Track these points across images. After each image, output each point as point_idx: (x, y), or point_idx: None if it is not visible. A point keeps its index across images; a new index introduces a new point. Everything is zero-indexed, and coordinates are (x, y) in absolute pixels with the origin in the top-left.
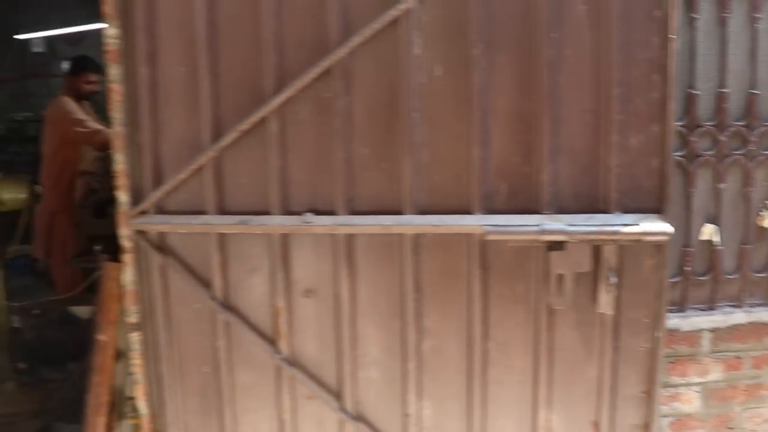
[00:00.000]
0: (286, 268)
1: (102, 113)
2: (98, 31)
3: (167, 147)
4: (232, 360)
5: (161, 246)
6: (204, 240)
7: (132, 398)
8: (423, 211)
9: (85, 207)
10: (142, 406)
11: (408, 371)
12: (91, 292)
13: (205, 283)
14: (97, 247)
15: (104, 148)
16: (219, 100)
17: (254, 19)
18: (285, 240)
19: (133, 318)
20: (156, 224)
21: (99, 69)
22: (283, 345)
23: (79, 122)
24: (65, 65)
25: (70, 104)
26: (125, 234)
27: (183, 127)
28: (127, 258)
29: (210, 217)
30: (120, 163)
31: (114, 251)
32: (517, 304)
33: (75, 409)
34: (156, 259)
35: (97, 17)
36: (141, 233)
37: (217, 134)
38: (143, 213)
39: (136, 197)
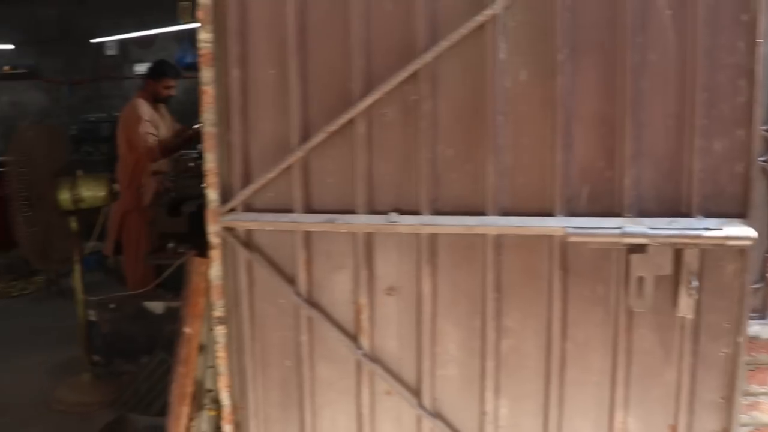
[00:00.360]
0: (370, 266)
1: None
2: (168, 34)
3: (256, 147)
4: (314, 355)
5: (248, 242)
6: (290, 237)
7: (211, 390)
8: (505, 213)
9: (159, 206)
10: (225, 397)
11: (486, 369)
12: (163, 288)
13: (290, 280)
14: (170, 245)
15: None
16: (307, 102)
17: (343, 24)
18: (369, 239)
19: (218, 312)
20: (244, 221)
21: (178, 74)
22: (364, 341)
23: (145, 127)
24: (137, 67)
25: (142, 107)
26: (214, 230)
27: (272, 128)
28: (215, 254)
29: (297, 216)
30: (210, 161)
31: (187, 248)
32: (597, 305)
33: (148, 401)
34: (243, 255)
35: (168, 21)
36: (229, 230)
37: (306, 135)
38: (232, 210)
39: (225, 195)
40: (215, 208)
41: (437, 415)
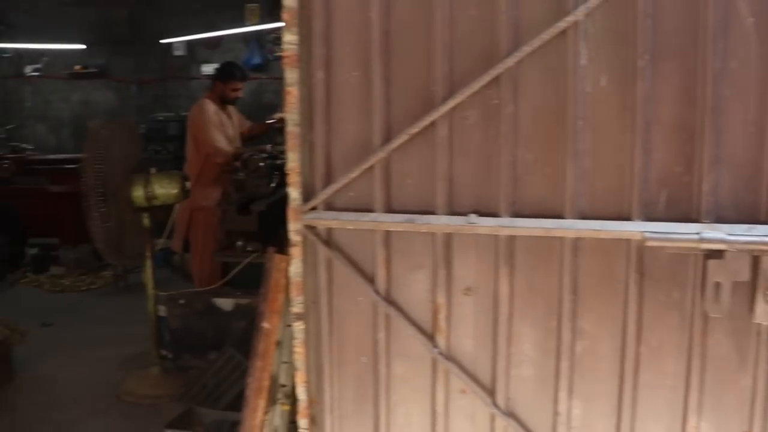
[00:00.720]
0: (448, 266)
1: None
2: (235, 36)
3: (338, 147)
4: (390, 352)
5: (328, 241)
6: (370, 236)
7: (284, 385)
8: (583, 216)
9: (229, 204)
10: (301, 392)
11: (560, 370)
12: (231, 285)
13: (369, 278)
14: (239, 243)
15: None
16: (390, 104)
17: (427, 28)
18: (448, 239)
19: (297, 308)
20: (325, 220)
21: (245, 77)
22: (441, 340)
23: (210, 130)
24: (204, 68)
25: (210, 108)
26: (295, 228)
27: (354, 129)
28: (295, 251)
29: (377, 215)
30: (293, 161)
31: (256, 247)
32: (672, 309)
33: (216, 396)
34: (323, 253)
35: (235, 23)
36: (310, 228)
37: (388, 136)
38: (313, 209)
39: (307, 194)
40: (297, 207)
41: (511, 414)
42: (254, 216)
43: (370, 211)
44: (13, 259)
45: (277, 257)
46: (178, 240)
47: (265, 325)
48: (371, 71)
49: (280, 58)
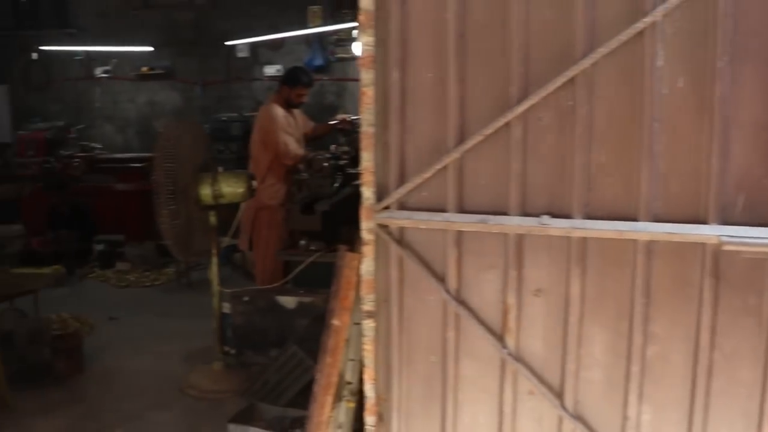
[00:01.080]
0: (519, 267)
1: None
2: (297, 37)
3: (412, 147)
4: (459, 351)
5: (400, 240)
6: (442, 236)
7: (350, 383)
8: (658, 219)
9: (293, 204)
10: (369, 389)
11: (631, 374)
12: (294, 284)
13: (440, 277)
14: (302, 242)
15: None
16: (464, 105)
17: (502, 30)
18: (520, 240)
19: (367, 306)
20: (398, 219)
21: (311, 82)
22: (510, 340)
23: (279, 133)
24: (267, 69)
25: (277, 111)
26: (367, 227)
27: (428, 130)
28: (367, 249)
29: (450, 215)
30: (367, 161)
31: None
32: (748, 316)
33: (278, 393)
34: (395, 251)
35: (297, 24)
36: (383, 227)
37: (461, 137)
38: (386, 208)
39: (380, 193)
40: (370, 206)
41: (579, 417)
42: (318, 215)
43: (443, 211)
44: (81, 255)
45: (349, 255)
46: (243, 238)
47: (336, 322)
48: (446, 72)
49: (341, 59)
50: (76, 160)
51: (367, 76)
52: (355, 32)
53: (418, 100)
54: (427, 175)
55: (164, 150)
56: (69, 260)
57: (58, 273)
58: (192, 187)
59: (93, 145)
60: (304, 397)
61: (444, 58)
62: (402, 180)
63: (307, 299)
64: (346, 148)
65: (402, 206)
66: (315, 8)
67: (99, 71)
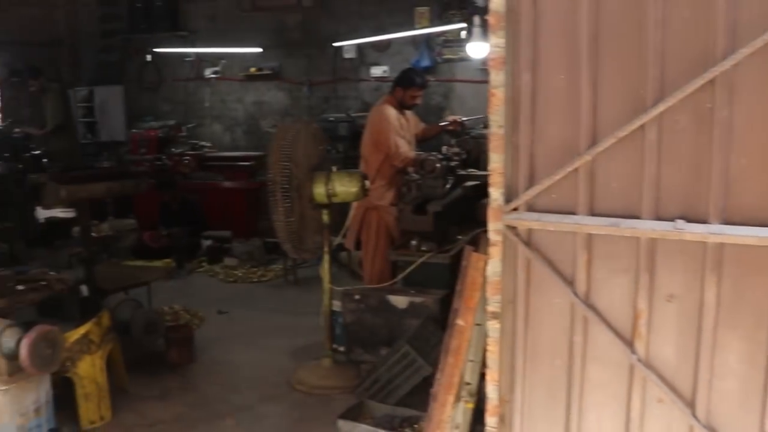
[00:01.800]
0: (651, 272)
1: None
2: (404, 39)
3: (542, 149)
4: (586, 356)
5: (528, 241)
6: (571, 238)
7: (469, 383)
8: None
9: (405, 204)
10: (491, 391)
11: None
12: (405, 284)
13: (568, 280)
14: (413, 242)
15: (405, 164)
16: (596, 107)
17: (638, 31)
18: (652, 244)
19: (492, 307)
20: (527, 221)
21: (425, 84)
22: (640, 346)
23: (392, 134)
24: (373, 70)
25: (390, 113)
26: (495, 228)
27: (559, 131)
28: (494, 251)
29: (580, 218)
30: (496, 162)
31: (430, 247)
32: None
33: (388, 391)
34: (523, 253)
35: (404, 26)
36: (511, 228)
37: (593, 139)
38: (514, 210)
39: (509, 195)
40: (498, 207)
41: (711, 428)
42: (429, 216)
43: (572, 213)
44: (190, 250)
45: (475, 256)
46: (351, 238)
47: (460, 322)
48: (578, 74)
49: (448, 60)
50: (187, 158)
51: (496, 77)
52: (463, 33)
53: (549, 102)
54: (558, 177)
55: (280, 148)
56: (179, 255)
57: (168, 266)
58: (306, 185)
59: (202, 143)
60: (414, 396)
61: (576, 59)
62: (531, 182)
63: (418, 299)
64: (456, 150)
65: (530, 208)
66: (422, 9)
67: (208, 72)
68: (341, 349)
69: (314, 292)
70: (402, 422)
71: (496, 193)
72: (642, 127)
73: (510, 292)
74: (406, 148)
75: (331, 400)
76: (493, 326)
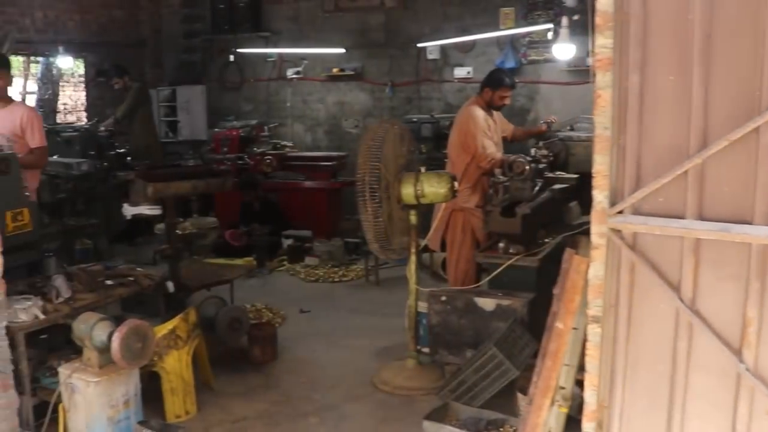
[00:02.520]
0: (763, 279)
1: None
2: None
3: (649, 151)
4: (690, 362)
5: (633, 245)
6: (677, 243)
7: (563, 387)
8: None
9: (494, 206)
10: (590, 395)
11: None
12: (492, 286)
13: (673, 285)
14: (501, 245)
15: (491, 166)
16: (707, 109)
17: (754, 30)
18: (765, 251)
19: (593, 311)
20: (632, 224)
21: (514, 85)
22: (748, 355)
23: (479, 135)
24: (457, 71)
25: (478, 114)
26: (598, 231)
27: (667, 133)
28: (597, 254)
29: (688, 222)
30: (601, 164)
31: (518, 250)
32: None
33: (473, 394)
34: (627, 257)
35: (488, 27)
36: (615, 231)
37: (704, 142)
38: (619, 213)
39: (613, 197)
40: (603, 210)
41: None
42: (518, 219)
43: (680, 217)
44: (271, 248)
45: (577, 258)
46: (435, 239)
47: (559, 325)
48: (689, 74)
49: (533, 62)
50: (268, 157)
51: (603, 78)
52: (549, 34)
53: (658, 103)
54: (665, 180)
55: (369, 149)
56: (259, 253)
57: (250, 265)
58: (394, 186)
59: (283, 143)
60: (499, 399)
61: (687, 59)
62: (637, 184)
63: (505, 302)
64: (545, 152)
65: (636, 211)
66: (507, 10)
67: (290, 72)
68: (425, 350)
69: (396, 293)
70: (487, 425)
71: (600, 196)
72: (756, 130)
73: (612, 296)
74: (493, 149)
75: (414, 401)
76: (593, 330)
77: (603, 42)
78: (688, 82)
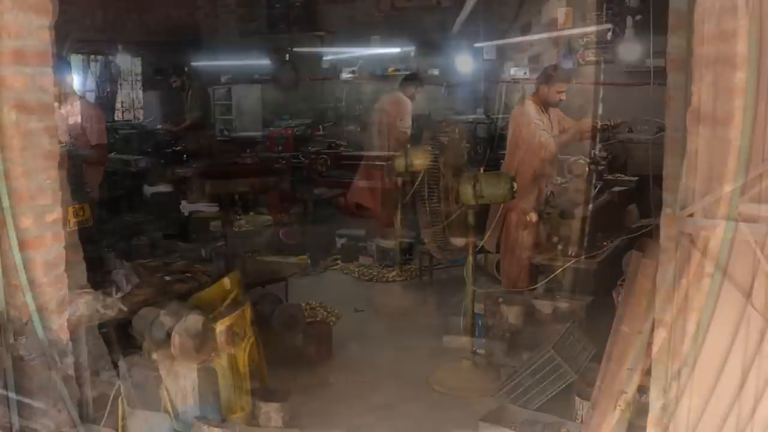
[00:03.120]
0: None
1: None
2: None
3: (721, 154)
4: (760, 371)
5: (702, 249)
6: (749, 247)
7: (625, 392)
8: None
9: (552, 207)
10: (655, 401)
11: None
12: (548, 288)
13: (744, 291)
14: (559, 247)
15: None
16: None
17: None
18: None
19: (662, 315)
20: (703, 228)
21: (569, 79)
22: None
23: (533, 126)
24: (513, 72)
25: (530, 109)
26: (668, 234)
27: (740, 135)
28: (666, 257)
29: (761, 226)
30: (671, 166)
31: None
32: None
33: (530, 396)
34: (696, 260)
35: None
36: (685, 234)
37: None
38: (690, 216)
39: (684, 200)
40: (672, 213)
41: None
42: (576, 221)
43: (753, 221)
44: (325, 247)
45: (645, 262)
46: (491, 239)
47: (625, 328)
48: (763, 74)
49: (589, 63)
50: (323, 156)
51: (676, 79)
52: (609, 35)
53: (730, 105)
54: (738, 183)
55: (427, 149)
56: (313, 251)
57: (304, 263)
58: (453, 186)
59: (338, 142)
60: (555, 402)
61: (763, 59)
62: (708, 187)
63: (563, 305)
64: (603, 154)
65: (707, 214)
66: (564, 10)
67: (346, 72)
68: (481, 351)
69: (450, 294)
70: (545, 428)
71: (670, 199)
72: None
73: (680, 300)
74: (546, 137)
75: (470, 403)
76: (661, 334)
77: (675, 42)
78: (763, 83)
